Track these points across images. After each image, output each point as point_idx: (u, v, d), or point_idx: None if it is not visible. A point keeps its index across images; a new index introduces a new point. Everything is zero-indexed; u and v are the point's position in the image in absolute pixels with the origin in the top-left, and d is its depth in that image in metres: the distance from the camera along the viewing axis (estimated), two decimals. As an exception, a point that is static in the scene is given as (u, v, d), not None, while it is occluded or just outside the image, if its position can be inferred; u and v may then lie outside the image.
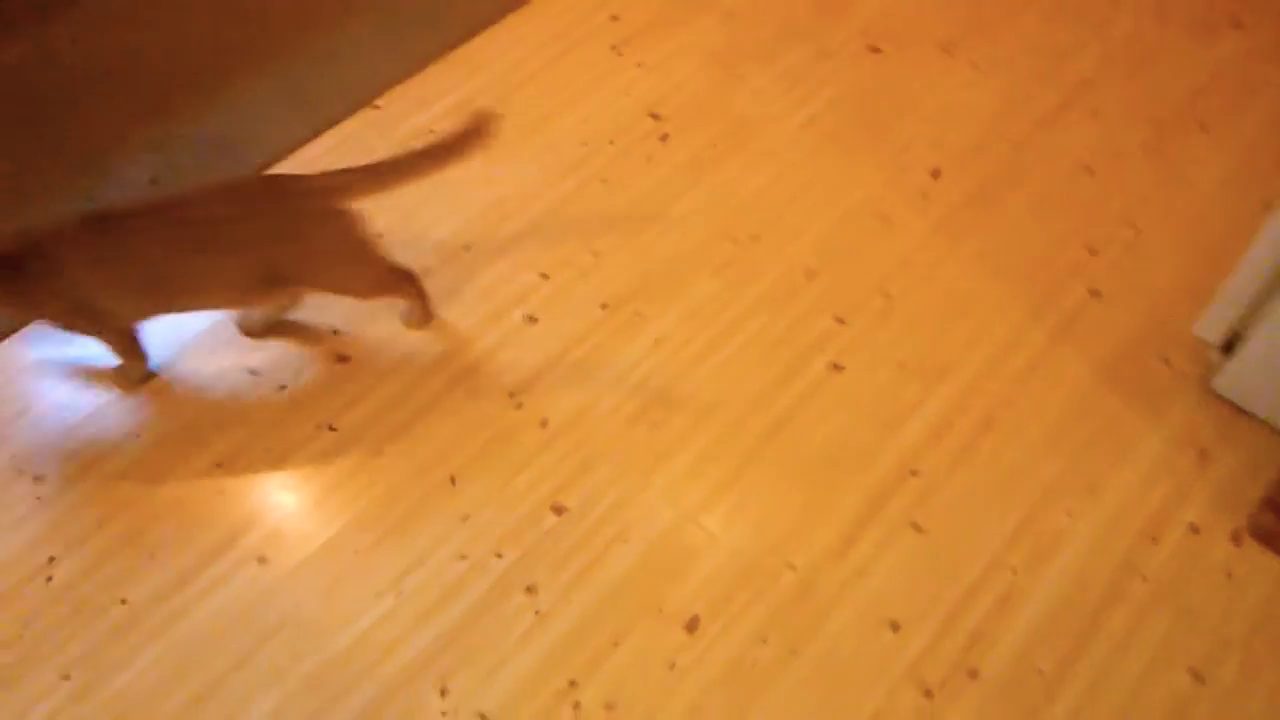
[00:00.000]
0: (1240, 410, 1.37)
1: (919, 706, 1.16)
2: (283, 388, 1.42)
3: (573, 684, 1.17)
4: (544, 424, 1.38)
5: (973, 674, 1.18)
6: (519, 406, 1.40)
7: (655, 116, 1.74)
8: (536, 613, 1.22)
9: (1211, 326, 1.33)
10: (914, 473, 1.33)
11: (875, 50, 1.83)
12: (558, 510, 1.30)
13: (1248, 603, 1.23)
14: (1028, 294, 1.51)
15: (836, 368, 1.43)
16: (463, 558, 1.27)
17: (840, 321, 1.48)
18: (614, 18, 1.89)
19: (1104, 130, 1.71)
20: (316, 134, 1.72)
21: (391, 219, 1.59)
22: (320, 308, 1.50)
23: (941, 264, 1.54)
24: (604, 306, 1.50)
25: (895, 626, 1.21)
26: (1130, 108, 1.74)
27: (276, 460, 1.35)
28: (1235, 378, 1.34)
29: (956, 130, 1.71)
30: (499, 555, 1.27)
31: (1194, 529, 1.28)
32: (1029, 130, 1.71)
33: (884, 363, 1.44)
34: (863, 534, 1.29)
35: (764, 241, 1.57)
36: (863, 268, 1.54)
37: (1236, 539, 1.28)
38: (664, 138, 1.70)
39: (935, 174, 1.65)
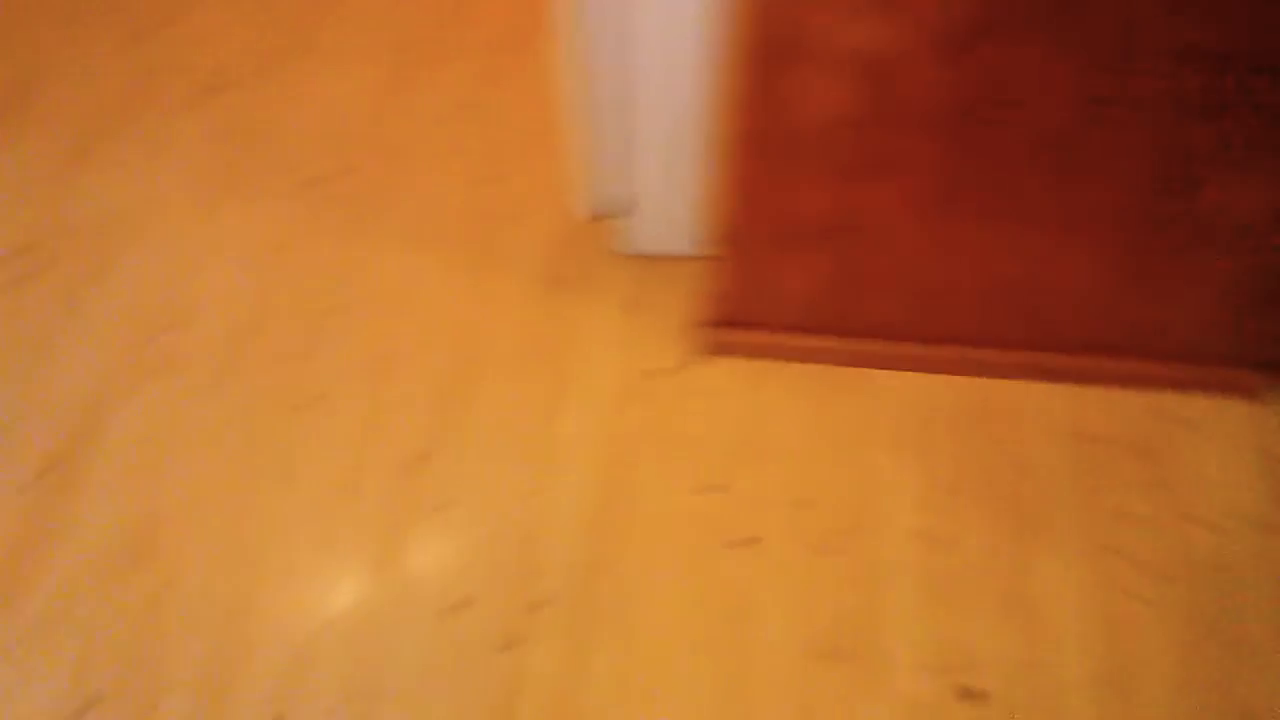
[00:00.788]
0: (656, 257, 1.51)
1: (506, 664, 1.17)
2: None
3: None
4: (25, 630, 1.20)
5: (545, 604, 1.21)
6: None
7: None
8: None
9: (589, 202, 1.45)
10: (424, 457, 1.33)
11: (213, 90, 1.76)
12: (88, 706, 1.14)
13: (736, 409, 1.37)
14: (458, 248, 1.54)
15: (311, 403, 1.38)
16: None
17: (302, 358, 1.43)
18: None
19: (465, 71, 1.77)
20: None
21: None
22: None
23: (372, 264, 1.53)
24: (38, 476, 1.32)
25: (467, 604, 1.21)
26: (470, 42, 1.82)
27: None
28: (639, 233, 1.47)
29: (335, 136, 1.70)
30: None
31: (662, 373, 1.40)
32: (391, 102, 1.73)
33: (352, 375, 1.41)
34: (393, 546, 1.26)
35: (193, 325, 1.46)
36: (298, 295, 1.49)
37: (701, 361, 1.42)
38: (22, 280, 1.52)
39: (326, 179, 1.63)
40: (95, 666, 1.17)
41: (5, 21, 1.89)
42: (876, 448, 1.34)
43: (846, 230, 1.20)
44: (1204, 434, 1.35)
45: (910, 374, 1.39)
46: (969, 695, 1.15)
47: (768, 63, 1.00)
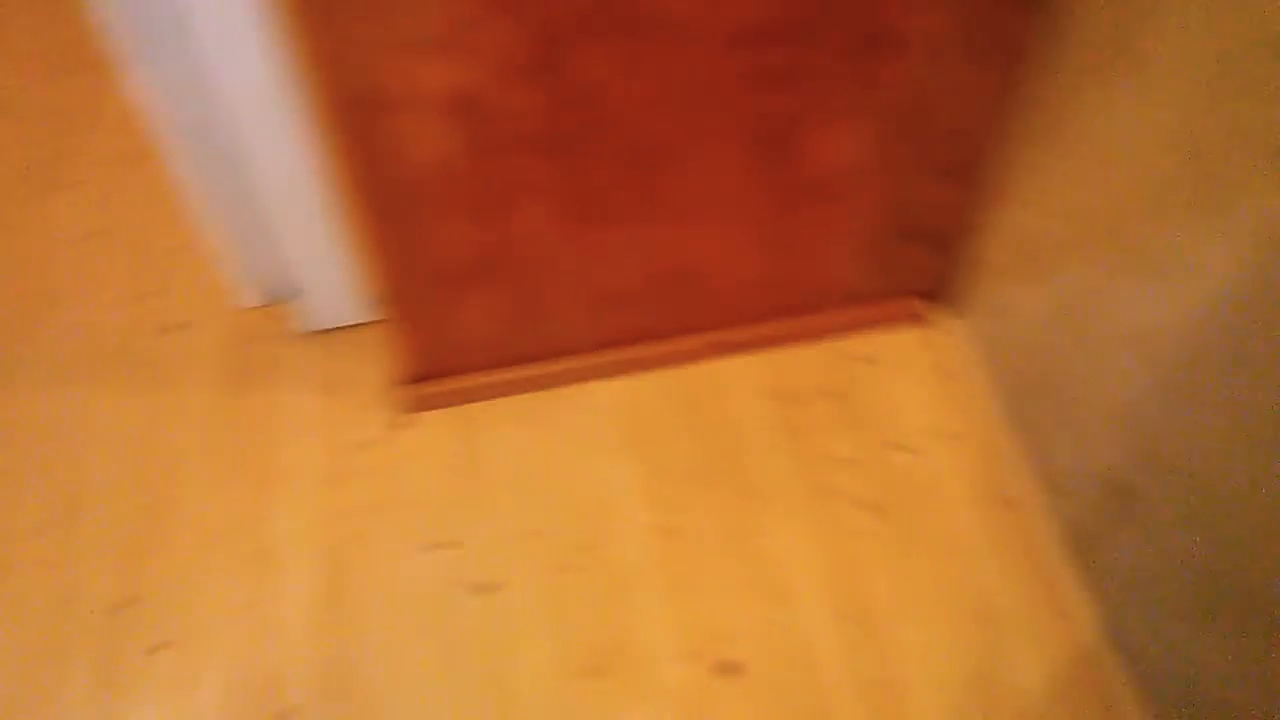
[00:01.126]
0: (340, 329, 1.46)
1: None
2: None
3: None
4: None
5: (290, 716, 1.15)
6: None
7: None
8: None
9: (254, 293, 1.39)
10: (129, 601, 1.22)
11: None
12: None
13: (452, 459, 1.35)
14: (124, 371, 1.43)
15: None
16: None
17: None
18: None
19: (91, 192, 1.66)
20: None
21: None
22: None
23: (28, 412, 1.39)
24: None
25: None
26: (91, 163, 1.72)
27: None
28: (314, 309, 1.43)
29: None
30: None
31: (370, 443, 1.36)
32: (17, 241, 1.60)
33: (29, 537, 1.27)
34: (113, 705, 1.15)
35: None
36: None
37: (407, 422, 1.39)
38: None
39: None
40: None
41: None
42: (597, 458, 1.36)
43: (500, 260, 1.21)
44: (884, 366, 1.46)
45: (613, 379, 1.43)
46: (726, 669, 1.18)
47: (358, 118, 1.00)
